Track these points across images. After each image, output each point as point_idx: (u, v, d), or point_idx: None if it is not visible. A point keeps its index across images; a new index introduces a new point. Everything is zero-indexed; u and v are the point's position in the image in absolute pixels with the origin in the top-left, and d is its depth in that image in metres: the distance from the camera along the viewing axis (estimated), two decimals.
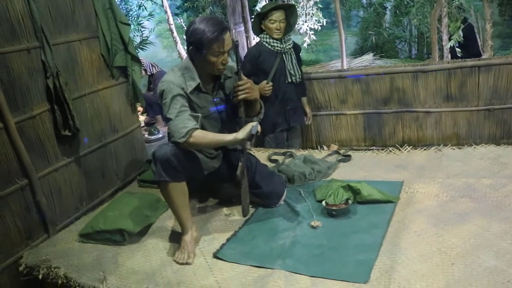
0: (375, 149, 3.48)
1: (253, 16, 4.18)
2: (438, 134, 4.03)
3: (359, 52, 9.24)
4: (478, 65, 3.73)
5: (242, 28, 5.82)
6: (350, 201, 2.50)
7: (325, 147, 4.39)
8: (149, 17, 8.98)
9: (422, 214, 2.32)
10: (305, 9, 6.92)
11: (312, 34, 7.08)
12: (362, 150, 3.55)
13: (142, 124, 5.98)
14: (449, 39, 5.64)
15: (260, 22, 3.58)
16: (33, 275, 2.39)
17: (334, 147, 4.29)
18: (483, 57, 5.42)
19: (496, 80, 3.70)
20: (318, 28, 7.09)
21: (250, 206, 2.59)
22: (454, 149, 3.13)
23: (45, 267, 2.35)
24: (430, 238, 2.11)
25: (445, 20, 5.77)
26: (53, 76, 2.75)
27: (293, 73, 3.62)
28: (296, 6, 4.59)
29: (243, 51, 5.27)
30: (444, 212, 2.32)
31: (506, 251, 1.92)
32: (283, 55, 3.58)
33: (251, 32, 5.78)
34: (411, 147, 3.30)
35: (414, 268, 1.91)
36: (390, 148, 3.31)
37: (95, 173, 3.20)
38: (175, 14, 9.48)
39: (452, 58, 5.58)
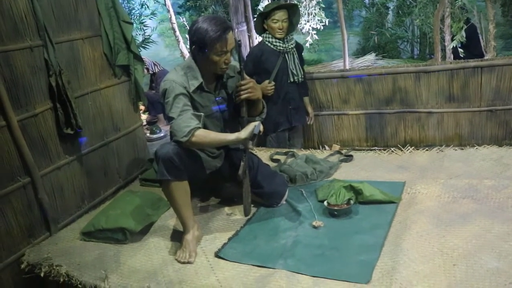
0: (377, 149, 3.48)
1: (255, 16, 4.19)
2: (440, 134, 4.03)
3: (361, 52, 9.23)
4: (480, 66, 3.72)
5: (245, 28, 5.82)
6: (352, 201, 2.50)
7: (327, 147, 4.39)
8: (151, 15, 8.99)
9: (424, 215, 2.32)
10: (307, 8, 6.92)
11: (314, 33, 7.08)
12: (364, 150, 3.55)
13: (144, 123, 5.99)
14: (452, 40, 5.63)
15: (262, 21, 3.58)
16: (34, 273, 2.40)
17: (336, 147, 4.29)
18: (485, 57, 5.40)
19: (499, 81, 3.69)
20: (320, 27, 7.08)
21: (252, 205, 2.59)
22: (456, 150, 3.13)
23: (47, 265, 2.36)
24: (432, 239, 2.11)
25: (448, 21, 5.76)
26: (56, 75, 2.76)
27: (295, 72, 3.62)
28: (299, 6, 4.60)
29: (245, 51, 5.26)
30: (446, 213, 2.32)
31: (508, 253, 1.92)
32: (286, 55, 3.58)
33: (253, 31, 5.79)
34: (413, 147, 3.30)
35: (416, 269, 1.91)
36: (392, 149, 3.31)
37: (97, 172, 3.20)
38: (178, 13, 9.48)
39: (454, 58, 5.57)
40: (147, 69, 6.15)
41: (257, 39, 5.79)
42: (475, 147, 3.10)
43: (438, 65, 3.95)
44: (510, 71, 3.64)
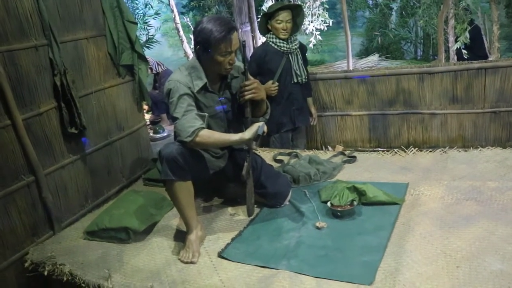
0: (380, 150, 3.48)
1: (259, 16, 4.19)
2: (444, 136, 4.02)
3: (364, 53, 9.22)
4: (484, 67, 3.71)
5: (248, 28, 5.83)
6: (355, 203, 2.50)
7: (330, 148, 4.38)
8: (155, 15, 9.01)
9: (427, 216, 2.32)
10: (311, 9, 6.92)
11: (318, 34, 7.07)
12: (367, 151, 3.55)
13: (147, 123, 5.99)
14: (456, 41, 5.62)
15: (266, 22, 3.58)
16: (38, 271, 2.41)
17: (339, 148, 4.29)
18: (489, 59, 5.39)
19: (503, 82, 3.68)
20: (324, 28, 7.08)
21: (255, 206, 2.59)
22: (459, 151, 3.13)
23: (51, 263, 2.37)
24: (435, 240, 2.11)
25: (452, 22, 5.75)
26: (61, 74, 2.77)
27: (299, 73, 3.62)
28: (303, 6, 4.59)
29: (249, 51, 5.26)
30: (449, 214, 2.32)
31: None
32: (289, 55, 3.58)
33: (257, 32, 5.79)
34: (416, 149, 3.29)
35: (419, 271, 1.91)
36: (395, 150, 3.31)
37: (100, 171, 3.21)
38: (181, 13, 9.50)
39: (458, 60, 5.56)
40: (151, 69, 6.15)
41: (260, 39, 5.79)
42: (479, 149, 3.09)
43: (441, 67, 3.95)
44: None
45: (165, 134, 5.92)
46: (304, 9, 5.50)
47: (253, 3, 5.84)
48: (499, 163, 2.84)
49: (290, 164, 3.15)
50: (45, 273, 2.35)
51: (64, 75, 2.78)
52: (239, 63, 2.56)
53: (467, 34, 5.42)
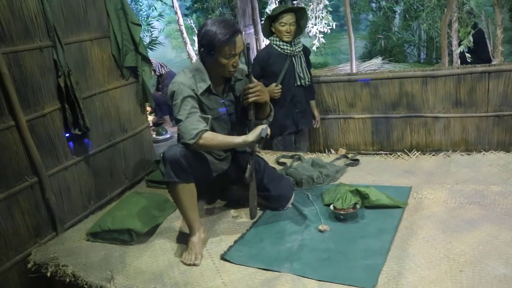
0: (383, 153, 3.47)
1: (263, 18, 4.19)
2: (447, 139, 4.01)
3: (367, 55, 9.23)
4: (488, 71, 3.71)
5: (252, 30, 5.84)
6: (358, 206, 2.50)
7: (333, 151, 4.38)
8: (158, 17, 9.04)
9: (430, 220, 2.32)
10: (315, 12, 6.93)
11: (321, 37, 7.08)
12: (370, 154, 3.55)
13: (150, 124, 6.01)
14: (459, 44, 5.61)
15: (270, 24, 3.59)
16: (41, 272, 2.41)
17: (342, 151, 4.29)
18: (493, 63, 5.39)
19: (506, 86, 3.68)
20: (327, 31, 7.09)
21: (258, 208, 2.59)
22: (463, 155, 3.12)
23: (53, 265, 2.37)
24: (438, 244, 2.10)
25: (455, 25, 5.75)
26: (65, 75, 2.78)
27: (302, 76, 3.62)
28: (306, 9, 4.60)
29: (252, 54, 5.28)
30: (452, 218, 2.31)
31: None
32: (293, 58, 3.59)
33: (260, 34, 5.81)
34: (419, 152, 3.29)
35: (422, 275, 1.91)
36: (398, 153, 3.31)
37: (103, 172, 3.21)
38: (185, 15, 9.53)
39: (461, 63, 5.55)
40: (154, 70, 6.17)
41: (264, 42, 5.80)
42: (482, 153, 3.09)
43: (445, 70, 3.95)
44: None
45: (168, 136, 5.93)
46: (307, 12, 5.52)
47: (257, 6, 5.85)
48: (503, 167, 2.83)
49: (293, 167, 3.15)
50: (48, 274, 2.36)
51: (68, 77, 2.79)
52: (243, 66, 2.56)
53: (470, 38, 5.41)
